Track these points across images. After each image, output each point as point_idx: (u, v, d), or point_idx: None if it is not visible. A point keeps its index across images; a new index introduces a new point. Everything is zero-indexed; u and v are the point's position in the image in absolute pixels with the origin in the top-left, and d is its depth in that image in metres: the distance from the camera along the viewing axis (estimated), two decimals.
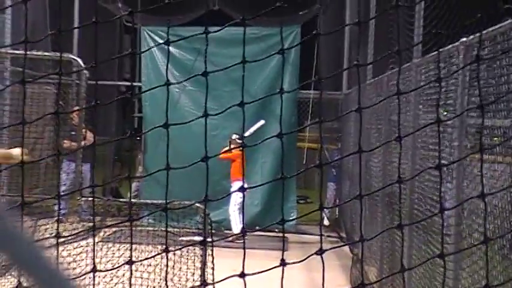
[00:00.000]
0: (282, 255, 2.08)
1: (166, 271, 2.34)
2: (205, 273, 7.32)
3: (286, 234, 14.28)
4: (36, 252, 1.12)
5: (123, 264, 2.08)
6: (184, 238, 9.46)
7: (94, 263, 2.10)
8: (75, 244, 8.37)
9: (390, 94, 2.11)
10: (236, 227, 13.89)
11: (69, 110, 10.76)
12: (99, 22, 2.07)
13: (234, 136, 13.60)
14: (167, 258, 2.26)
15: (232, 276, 2.12)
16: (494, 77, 4.87)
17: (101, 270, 2.33)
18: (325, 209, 15.91)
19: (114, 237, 9.76)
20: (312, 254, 2.09)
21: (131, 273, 2.04)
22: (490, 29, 4.79)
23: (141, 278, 7.87)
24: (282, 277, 2.10)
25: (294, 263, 2.08)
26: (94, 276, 2.08)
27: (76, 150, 9.49)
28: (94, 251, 2.26)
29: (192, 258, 8.11)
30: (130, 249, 2.13)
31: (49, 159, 9.68)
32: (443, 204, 2.10)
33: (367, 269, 10.40)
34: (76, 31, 15.09)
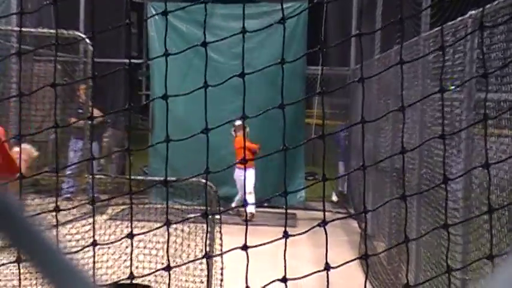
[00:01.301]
0: (285, 226, 2.06)
1: (167, 244, 2.32)
2: (214, 249, 7.32)
3: (294, 211, 14.30)
4: (34, 231, 1.10)
5: (124, 237, 2.07)
6: (192, 215, 9.46)
7: (94, 237, 2.08)
8: (84, 221, 8.40)
9: (394, 64, 2.07)
10: (251, 206, 13.80)
11: (75, 88, 10.75)
12: None
13: (238, 122, 13.50)
14: (168, 232, 2.24)
15: (235, 248, 2.10)
16: (501, 49, 4.83)
17: (101, 244, 2.32)
18: (333, 186, 15.90)
19: (122, 215, 9.79)
20: (315, 226, 2.07)
21: (132, 246, 2.02)
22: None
23: (150, 254, 7.88)
24: (285, 249, 2.08)
25: (297, 234, 2.06)
26: (94, 251, 2.07)
27: (74, 122, 9.46)
28: (93, 225, 2.24)
29: (200, 235, 8.12)
30: (131, 224, 2.11)
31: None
32: (447, 176, 2.07)
33: (376, 244, 10.40)
34: (82, 10, 15.03)
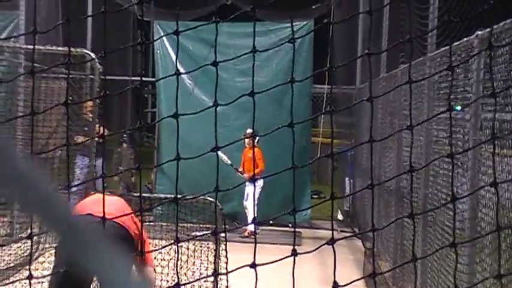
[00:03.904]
0: (293, 244, 2.07)
1: (177, 261, 2.33)
2: (219, 267, 7.32)
3: (300, 229, 14.28)
4: (45, 193, 1.11)
5: (134, 255, 2.08)
6: (198, 233, 9.46)
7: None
8: None
9: (402, 83, 2.09)
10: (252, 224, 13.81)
11: (82, 105, 10.77)
12: (108, 12, 2.06)
13: (249, 131, 13.55)
14: (178, 251, 2.25)
15: (243, 266, 2.11)
16: (510, 70, 4.84)
17: None
18: (339, 204, 15.89)
19: None
20: (323, 244, 2.08)
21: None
22: (508, 20, 4.76)
23: (155, 272, 7.88)
24: (294, 267, 2.09)
25: (305, 253, 2.07)
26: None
27: (84, 142, 9.48)
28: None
29: (206, 252, 8.12)
30: (140, 241, 2.11)
31: (63, 154, 9.68)
32: (455, 194, 2.08)
33: (380, 263, 10.38)
34: (89, 29, 15.10)
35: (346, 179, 16.31)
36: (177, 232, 2.36)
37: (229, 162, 13.32)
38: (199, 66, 2.16)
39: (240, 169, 14.04)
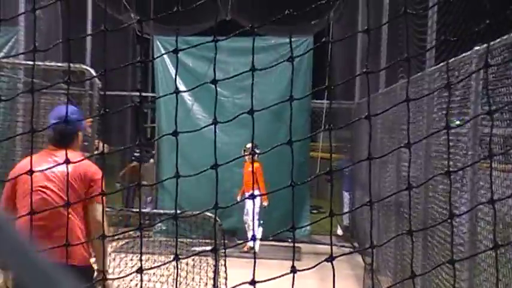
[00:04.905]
0: (293, 261, 2.08)
1: (177, 278, 2.34)
2: (218, 282, 7.32)
3: (299, 245, 14.26)
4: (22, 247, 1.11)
5: (132, 272, 2.09)
6: (197, 248, 9.46)
7: (104, 273, 2.09)
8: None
9: (400, 101, 2.10)
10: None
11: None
12: (108, 30, 2.07)
13: (249, 145, 13.57)
14: (177, 266, 2.26)
15: (243, 283, 2.12)
16: (507, 85, 4.86)
17: (110, 279, 2.33)
18: (338, 219, 15.87)
19: (126, 248, 9.78)
20: (323, 261, 2.09)
21: (141, 281, 2.04)
22: (504, 37, 4.78)
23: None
24: (293, 283, 2.09)
25: (304, 269, 2.07)
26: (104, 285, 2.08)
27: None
28: (104, 260, 2.25)
29: (205, 268, 8.12)
30: (140, 258, 2.13)
31: None
32: (452, 211, 2.10)
33: (380, 278, 10.37)
34: (89, 44, 15.14)
35: (344, 192, 16.29)
36: (177, 248, 2.37)
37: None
38: (199, 84, 2.18)
39: (239, 192, 14.01)
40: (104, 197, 2.99)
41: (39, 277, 1.07)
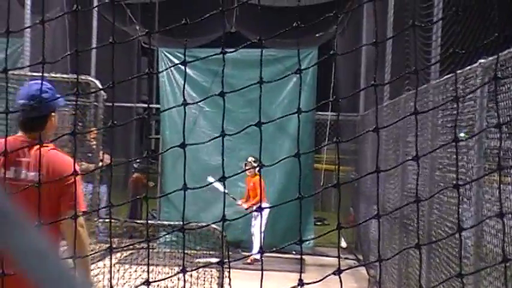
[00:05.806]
0: (300, 274, 2.07)
1: None
2: None
3: (303, 257, 14.22)
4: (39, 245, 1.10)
5: (140, 285, 2.08)
6: (201, 260, 9.45)
7: (111, 284, 2.09)
8: (93, 266, 8.38)
9: (407, 115, 2.10)
10: (258, 249, 13.78)
11: (86, 132, 10.79)
12: (115, 43, 2.08)
13: (250, 159, 13.57)
14: (184, 279, 2.26)
15: None
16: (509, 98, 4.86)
17: None
18: (342, 232, 15.83)
19: (131, 259, 9.76)
20: (330, 274, 2.08)
21: None
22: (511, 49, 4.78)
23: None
24: None
25: (311, 283, 2.07)
26: None
27: (93, 170, 9.51)
28: (111, 272, 2.26)
29: (209, 280, 8.11)
30: (148, 270, 2.12)
31: None
32: (461, 224, 2.09)
33: None
34: (94, 55, 15.18)
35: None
36: (184, 260, 2.37)
37: (224, 190, 13.29)
38: (207, 96, 2.18)
39: (243, 200, 13.99)
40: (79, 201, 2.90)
41: None
